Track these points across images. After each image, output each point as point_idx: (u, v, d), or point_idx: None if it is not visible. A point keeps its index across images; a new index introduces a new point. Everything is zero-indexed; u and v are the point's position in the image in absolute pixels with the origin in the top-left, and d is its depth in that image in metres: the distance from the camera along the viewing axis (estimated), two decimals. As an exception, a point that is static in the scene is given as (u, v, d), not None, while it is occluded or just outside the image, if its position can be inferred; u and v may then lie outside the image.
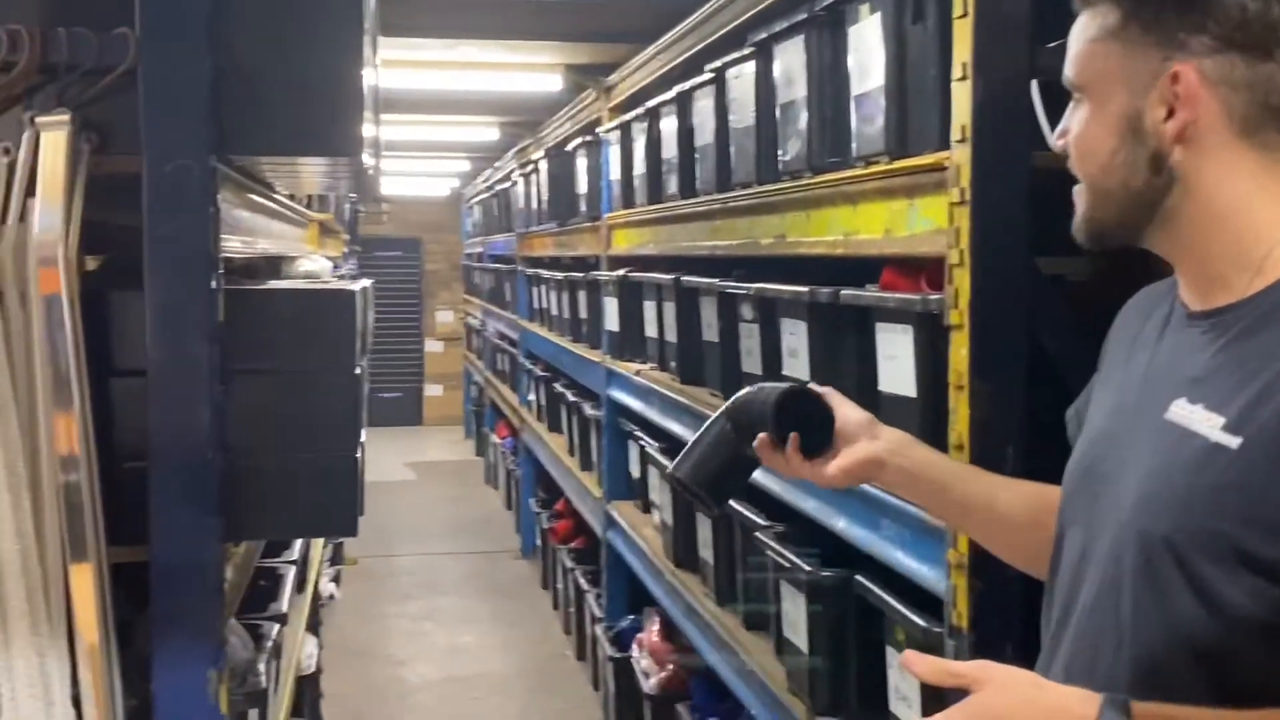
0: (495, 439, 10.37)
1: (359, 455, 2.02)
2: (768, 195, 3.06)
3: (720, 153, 3.50)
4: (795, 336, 2.83)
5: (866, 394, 2.52)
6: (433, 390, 15.00)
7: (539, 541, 7.88)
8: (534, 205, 7.48)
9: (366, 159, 2.10)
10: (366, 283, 3.08)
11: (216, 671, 1.89)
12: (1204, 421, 1.23)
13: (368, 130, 3.22)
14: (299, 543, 2.96)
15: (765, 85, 3.08)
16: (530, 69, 5.62)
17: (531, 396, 7.83)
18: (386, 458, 12.58)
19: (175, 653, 1.87)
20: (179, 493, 1.86)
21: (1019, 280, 2.05)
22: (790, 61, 2.83)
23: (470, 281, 12.88)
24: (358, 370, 2.04)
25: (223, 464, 1.91)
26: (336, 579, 7.20)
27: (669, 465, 4.13)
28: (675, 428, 4.09)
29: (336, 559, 7.24)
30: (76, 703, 1.81)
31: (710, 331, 3.67)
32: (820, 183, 2.70)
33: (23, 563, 1.76)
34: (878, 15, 2.38)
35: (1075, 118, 1.36)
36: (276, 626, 2.33)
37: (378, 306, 14.91)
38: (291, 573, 2.73)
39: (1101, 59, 1.31)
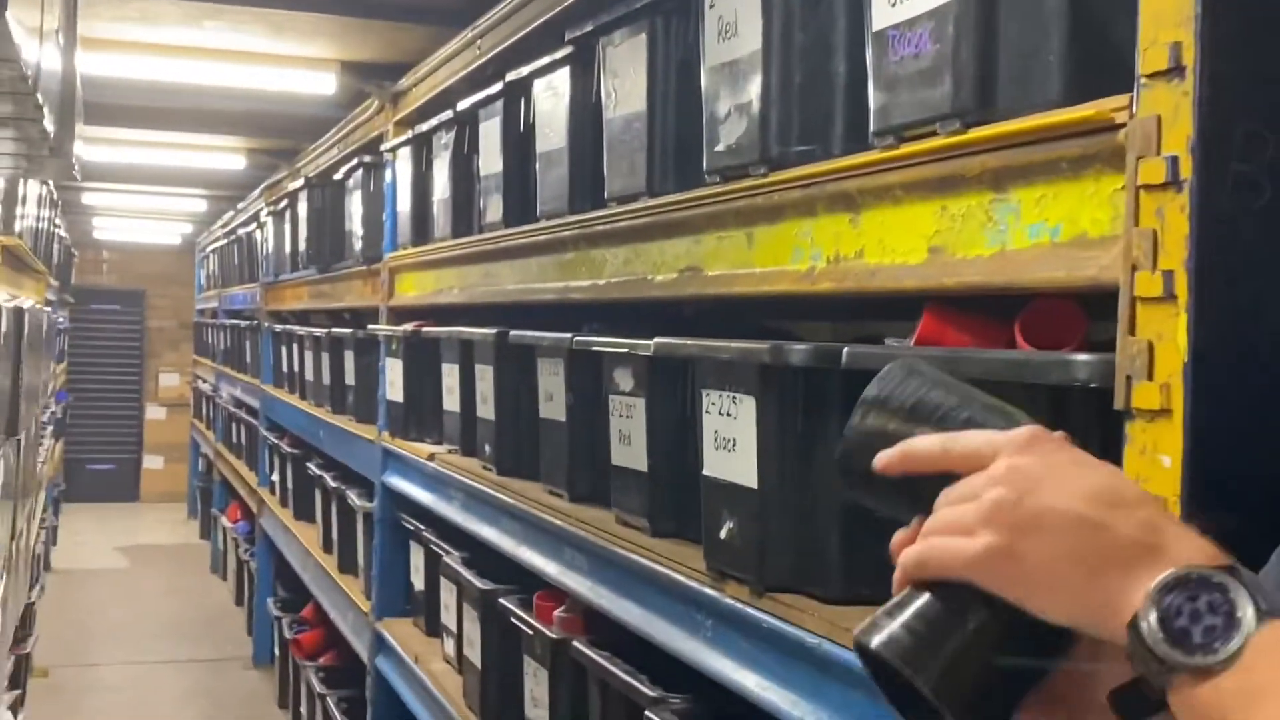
0: (226, 522, 9.00)
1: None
2: (676, 208, 2.07)
3: (578, 155, 2.50)
4: (732, 420, 1.83)
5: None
6: (152, 462, 13.33)
7: (277, 650, 6.56)
8: (287, 249, 6.29)
9: None
10: None
11: None
12: None
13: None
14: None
15: (680, 34, 2.11)
16: (296, 63, 4.45)
17: (275, 476, 6.57)
18: (92, 540, 10.92)
19: None
20: None
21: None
22: None
23: (201, 341, 11.45)
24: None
25: None
26: (19, 702, 5.70)
27: (482, 585, 3.08)
28: (488, 533, 3.02)
29: (19, 670, 5.74)
30: None
31: (553, 407, 2.64)
32: (792, 180, 1.72)
33: None
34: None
35: None
36: None
37: (87, 367, 13.28)
38: None
39: None
